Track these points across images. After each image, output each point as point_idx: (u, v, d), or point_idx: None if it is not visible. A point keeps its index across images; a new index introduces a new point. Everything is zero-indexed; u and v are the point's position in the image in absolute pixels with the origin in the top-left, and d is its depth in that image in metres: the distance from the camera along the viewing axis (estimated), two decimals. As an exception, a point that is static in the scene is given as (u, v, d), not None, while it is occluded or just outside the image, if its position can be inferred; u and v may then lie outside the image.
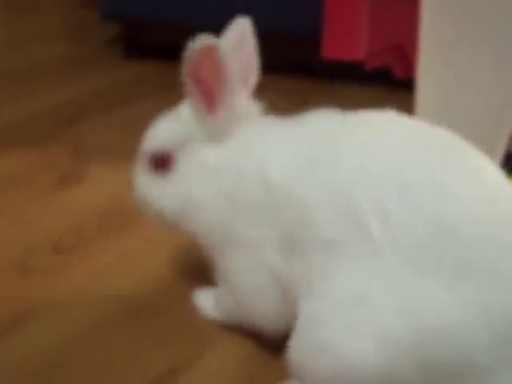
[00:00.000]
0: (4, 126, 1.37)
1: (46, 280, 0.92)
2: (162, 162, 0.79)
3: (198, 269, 0.91)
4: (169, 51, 1.76)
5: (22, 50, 1.84)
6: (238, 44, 0.81)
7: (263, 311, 0.76)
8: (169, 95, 1.58)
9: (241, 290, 0.77)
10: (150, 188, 0.80)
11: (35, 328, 0.84)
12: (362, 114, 0.74)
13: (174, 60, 1.70)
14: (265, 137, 0.77)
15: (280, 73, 1.63)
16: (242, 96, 0.80)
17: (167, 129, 0.80)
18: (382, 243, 0.62)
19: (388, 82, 1.46)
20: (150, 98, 1.52)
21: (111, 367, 0.78)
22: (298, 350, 0.67)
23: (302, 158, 0.71)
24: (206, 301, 0.86)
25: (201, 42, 0.72)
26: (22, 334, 0.83)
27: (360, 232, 0.64)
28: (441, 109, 0.98)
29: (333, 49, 1.28)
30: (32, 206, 1.10)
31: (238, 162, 0.76)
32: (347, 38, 1.29)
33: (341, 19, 1.28)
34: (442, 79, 0.99)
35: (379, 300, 0.61)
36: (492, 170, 0.67)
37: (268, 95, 1.54)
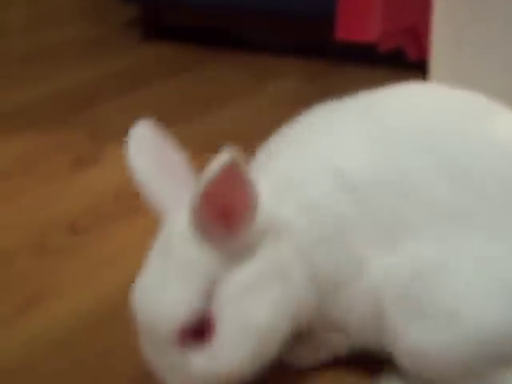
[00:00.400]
0: (20, 109, 1.39)
1: (63, 259, 0.94)
2: (199, 329, 0.62)
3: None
4: (187, 33, 1.77)
5: (38, 31, 1.86)
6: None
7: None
8: (186, 77, 1.60)
9: None
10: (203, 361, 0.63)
11: (51, 306, 0.85)
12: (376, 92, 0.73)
13: (192, 42, 1.72)
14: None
15: (292, 55, 1.63)
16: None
17: (185, 285, 0.62)
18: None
19: (401, 63, 1.46)
20: (168, 81, 1.54)
21: (126, 346, 0.80)
22: (420, 336, 0.64)
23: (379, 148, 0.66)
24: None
25: (225, 159, 0.58)
26: (39, 312, 0.85)
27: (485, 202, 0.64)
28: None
29: (346, 30, 1.28)
30: (48, 187, 1.11)
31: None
32: (360, 20, 1.29)
33: (354, 0, 1.29)
34: (456, 61, 1.00)
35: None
36: None
37: (280, 78, 1.56)
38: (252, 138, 1.23)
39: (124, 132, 1.26)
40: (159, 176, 0.66)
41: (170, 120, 1.32)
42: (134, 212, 1.04)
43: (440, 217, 0.63)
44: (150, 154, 0.68)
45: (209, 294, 0.61)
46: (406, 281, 0.64)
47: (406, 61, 1.45)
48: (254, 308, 0.62)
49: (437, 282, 0.63)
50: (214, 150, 1.28)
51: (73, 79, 1.53)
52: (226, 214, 0.61)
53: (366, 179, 0.65)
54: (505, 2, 0.95)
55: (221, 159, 0.57)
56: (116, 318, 0.83)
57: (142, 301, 0.63)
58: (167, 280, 0.62)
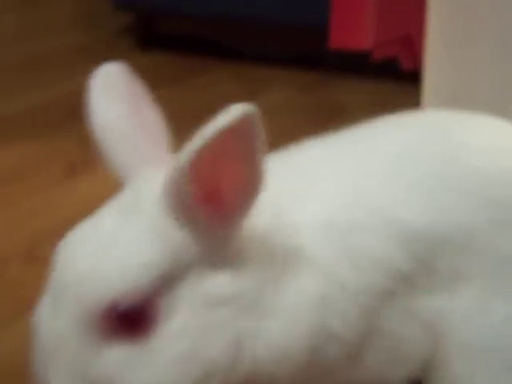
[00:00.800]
0: (12, 117, 1.39)
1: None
2: (133, 318, 0.46)
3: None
4: (181, 41, 1.77)
5: (32, 39, 1.85)
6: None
7: None
8: (181, 85, 1.60)
9: None
10: (121, 364, 0.46)
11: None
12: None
13: (184, 51, 1.72)
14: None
15: (288, 65, 1.63)
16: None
17: (134, 257, 0.47)
18: None
19: (395, 73, 1.46)
20: (162, 89, 1.53)
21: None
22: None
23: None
24: None
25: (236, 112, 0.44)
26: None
27: None
28: (448, 101, 0.98)
29: (339, 39, 1.28)
30: (40, 196, 1.11)
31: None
32: (354, 28, 1.30)
33: (348, 9, 1.29)
34: (449, 71, 1.00)
35: None
36: None
37: (273, 88, 1.56)
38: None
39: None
40: (127, 126, 0.53)
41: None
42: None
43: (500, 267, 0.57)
44: (118, 100, 0.54)
45: (166, 281, 0.47)
46: (479, 332, 0.56)
47: (400, 70, 1.46)
48: (213, 333, 0.48)
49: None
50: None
51: (66, 87, 1.52)
52: (216, 195, 0.47)
53: (425, 232, 0.56)
54: (498, 13, 0.95)
55: (230, 113, 0.44)
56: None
57: (73, 254, 0.48)
58: (120, 237, 0.47)
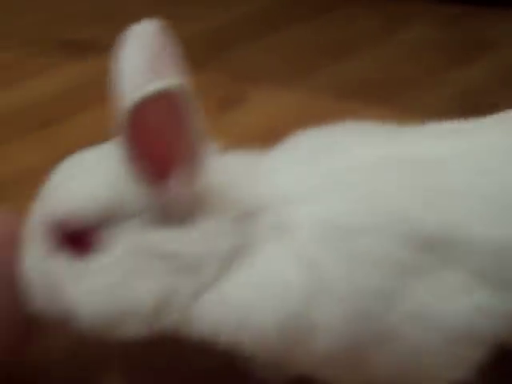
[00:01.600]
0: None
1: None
2: (78, 239, 0.54)
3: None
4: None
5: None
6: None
7: None
8: (317, 20, 1.60)
9: None
10: (63, 273, 0.55)
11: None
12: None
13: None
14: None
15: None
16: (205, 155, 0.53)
17: (89, 190, 0.54)
18: None
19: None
20: (300, 23, 1.55)
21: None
22: None
23: None
24: None
25: (154, 87, 0.48)
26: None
27: None
28: None
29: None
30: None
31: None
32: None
33: None
34: None
35: None
36: None
37: (418, 23, 1.54)
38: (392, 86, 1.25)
39: (264, 73, 1.30)
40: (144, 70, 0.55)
41: (307, 65, 1.35)
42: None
43: None
44: (143, 55, 0.57)
45: (107, 216, 0.54)
46: None
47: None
48: (142, 279, 0.54)
49: None
50: (354, 96, 1.30)
51: (207, 23, 1.56)
52: (156, 158, 0.51)
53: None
54: None
55: (166, 82, 0.48)
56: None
57: (58, 175, 0.57)
58: (82, 172, 0.56)
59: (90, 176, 0.55)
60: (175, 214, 0.54)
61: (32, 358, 0.67)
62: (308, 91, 1.26)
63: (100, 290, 0.54)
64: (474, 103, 1.18)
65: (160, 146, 0.51)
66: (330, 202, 0.54)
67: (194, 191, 0.53)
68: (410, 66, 1.34)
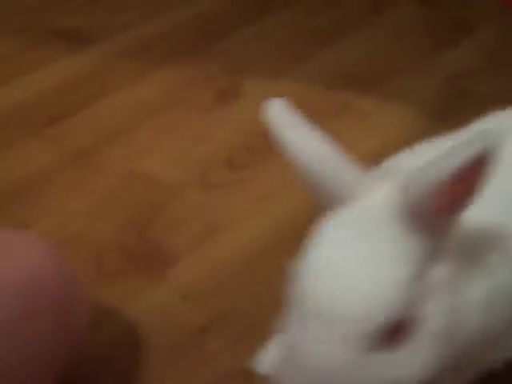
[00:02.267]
0: (150, 41, 1.44)
1: (226, 194, 1.02)
2: (393, 331, 0.53)
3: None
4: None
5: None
6: None
7: None
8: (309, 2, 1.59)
9: None
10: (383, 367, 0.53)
11: (224, 237, 0.95)
12: None
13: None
14: None
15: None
16: None
17: (388, 276, 0.52)
18: None
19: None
20: (295, 6, 1.57)
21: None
22: None
23: None
24: None
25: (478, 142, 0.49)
26: (213, 244, 0.95)
27: None
28: None
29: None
30: (197, 121, 1.18)
31: None
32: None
33: None
34: None
35: None
36: None
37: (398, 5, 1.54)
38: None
39: (260, 61, 1.32)
40: (322, 153, 0.56)
41: (298, 52, 1.36)
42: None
43: None
44: (298, 131, 0.57)
45: (415, 288, 0.52)
46: None
47: None
48: (466, 313, 0.55)
49: None
50: (346, 84, 1.31)
51: (195, 10, 1.56)
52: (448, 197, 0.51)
53: None
54: None
55: (473, 142, 0.49)
56: (280, 249, 0.92)
57: (329, 284, 0.53)
58: (368, 264, 0.52)
59: (375, 263, 0.52)
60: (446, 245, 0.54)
61: None
62: (300, 80, 1.29)
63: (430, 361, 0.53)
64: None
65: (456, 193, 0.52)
66: None
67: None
68: (400, 49, 1.37)
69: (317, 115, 1.19)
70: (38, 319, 0.63)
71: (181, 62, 1.35)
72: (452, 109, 1.17)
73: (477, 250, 0.57)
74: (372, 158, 1.07)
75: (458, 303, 0.54)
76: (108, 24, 1.48)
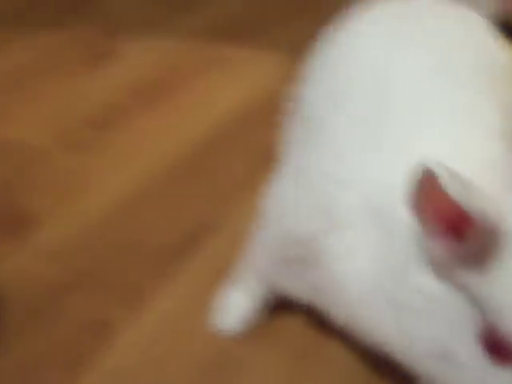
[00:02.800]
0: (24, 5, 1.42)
1: (92, 153, 1.01)
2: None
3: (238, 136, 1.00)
4: None
5: None
6: None
7: None
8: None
9: None
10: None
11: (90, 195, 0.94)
12: None
13: None
14: None
15: None
16: None
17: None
18: None
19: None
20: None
21: (153, 224, 0.89)
22: None
23: None
24: None
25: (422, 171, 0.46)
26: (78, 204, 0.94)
27: None
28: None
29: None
30: (67, 84, 1.16)
31: None
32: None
33: None
34: None
35: None
36: None
37: None
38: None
39: (136, 23, 1.30)
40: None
41: (176, 5, 1.34)
42: (155, 104, 1.10)
43: None
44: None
45: None
46: None
47: None
48: None
49: None
50: (224, 37, 1.29)
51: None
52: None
53: None
54: None
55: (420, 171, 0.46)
56: (143, 206, 0.92)
57: None
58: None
59: None
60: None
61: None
62: (177, 35, 1.27)
63: None
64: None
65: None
66: None
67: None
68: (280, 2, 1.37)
69: (193, 68, 1.20)
70: None
71: (54, 24, 1.32)
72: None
73: None
74: (244, 107, 1.08)
75: None
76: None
